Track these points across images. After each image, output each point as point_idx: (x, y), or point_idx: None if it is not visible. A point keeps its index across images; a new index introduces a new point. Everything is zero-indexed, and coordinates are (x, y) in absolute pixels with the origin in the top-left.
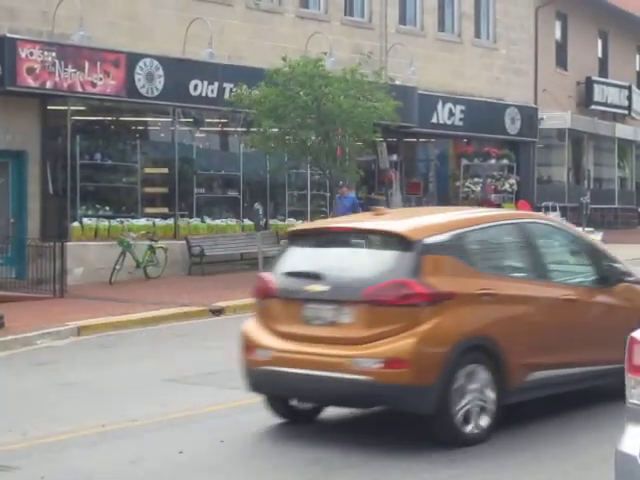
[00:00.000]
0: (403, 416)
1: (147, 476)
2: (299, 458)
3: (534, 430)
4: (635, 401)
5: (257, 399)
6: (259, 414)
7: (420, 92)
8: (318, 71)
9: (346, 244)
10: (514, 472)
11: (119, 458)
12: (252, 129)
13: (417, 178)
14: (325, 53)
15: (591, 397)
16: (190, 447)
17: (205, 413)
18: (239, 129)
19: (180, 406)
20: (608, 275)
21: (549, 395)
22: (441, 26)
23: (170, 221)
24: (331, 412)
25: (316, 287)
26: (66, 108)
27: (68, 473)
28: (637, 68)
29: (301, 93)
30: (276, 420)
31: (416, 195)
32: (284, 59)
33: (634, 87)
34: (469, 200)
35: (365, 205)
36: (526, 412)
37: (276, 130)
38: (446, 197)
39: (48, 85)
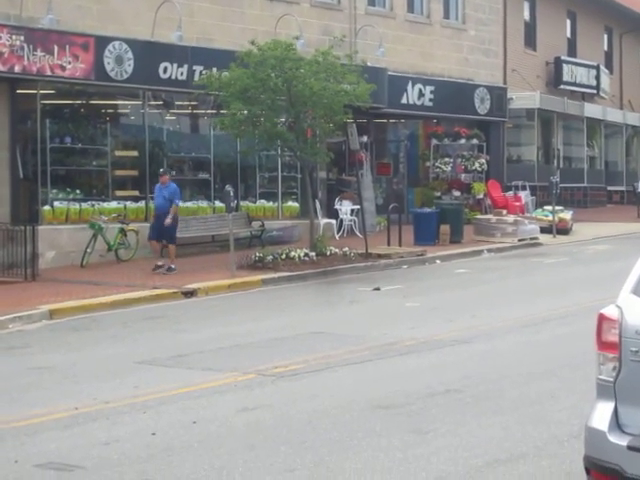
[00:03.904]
0: None
1: (121, 458)
2: (272, 438)
3: (507, 405)
4: (604, 377)
5: (227, 380)
6: (231, 395)
7: (390, 73)
8: (289, 55)
9: None
10: (486, 446)
11: (92, 440)
12: (222, 111)
13: (387, 159)
14: (296, 38)
15: (565, 374)
16: (163, 428)
17: (177, 394)
18: (209, 111)
19: (153, 388)
20: None
21: (522, 372)
22: (410, 7)
23: (141, 204)
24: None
25: None
26: (35, 92)
27: (42, 456)
28: (605, 48)
29: (272, 75)
30: (248, 400)
31: (386, 176)
32: (252, 42)
33: (602, 67)
34: (439, 180)
35: (336, 186)
36: (500, 387)
37: (246, 112)
38: (416, 177)
39: (17, 69)
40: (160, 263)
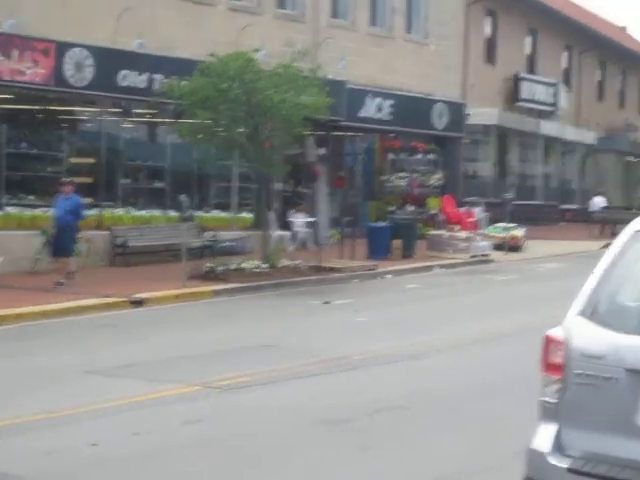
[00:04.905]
0: None
1: (61, 468)
2: (214, 451)
3: (453, 423)
4: (547, 399)
5: (172, 392)
6: (175, 407)
7: (349, 86)
8: (250, 67)
9: None
10: (431, 463)
11: (33, 450)
12: (181, 120)
13: (344, 172)
14: (256, 50)
15: (513, 392)
16: (105, 439)
17: (122, 405)
18: (167, 120)
19: (97, 398)
20: None
21: (470, 389)
22: (373, 21)
23: (94, 211)
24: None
25: None
26: None
27: None
28: (564, 65)
29: (233, 86)
30: (192, 413)
31: (342, 189)
32: (212, 54)
33: (561, 84)
34: (394, 194)
35: (292, 198)
36: (447, 404)
37: (210, 122)
38: (372, 191)
39: None
40: (72, 269)
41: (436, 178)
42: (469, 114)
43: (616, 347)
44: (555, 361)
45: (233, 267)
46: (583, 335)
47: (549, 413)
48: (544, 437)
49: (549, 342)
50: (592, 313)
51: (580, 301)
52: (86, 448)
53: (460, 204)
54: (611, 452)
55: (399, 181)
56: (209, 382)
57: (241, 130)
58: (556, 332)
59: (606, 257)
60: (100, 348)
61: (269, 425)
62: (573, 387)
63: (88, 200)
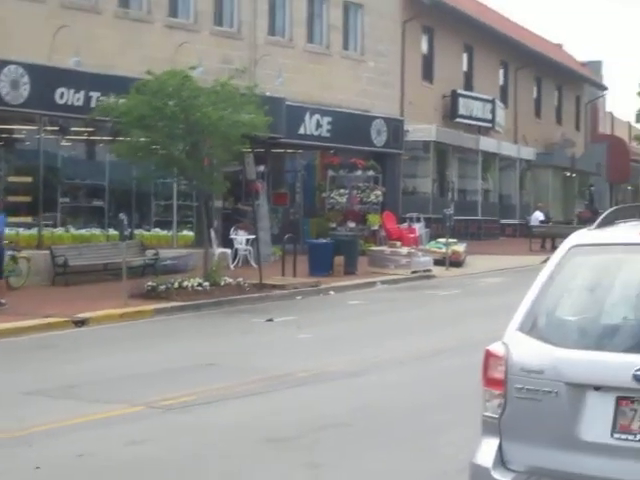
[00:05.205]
0: None
1: None
2: (159, 472)
3: (396, 439)
4: (489, 414)
5: (115, 412)
6: (119, 428)
7: (288, 103)
8: (187, 85)
9: None
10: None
11: None
12: (119, 138)
13: (284, 189)
14: (193, 67)
15: (455, 408)
16: (48, 462)
17: (65, 427)
18: (105, 138)
19: (39, 420)
20: None
21: (413, 405)
22: (310, 38)
23: (34, 231)
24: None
25: None
26: None
27: None
28: (501, 82)
29: (170, 103)
30: (136, 433)
31: (283, 206)
32: (148, 72)
33: (497, 101)
34: (335, 211)
35: (232, 215)
36: (390, 420)
37: (143, 140)
38: (313, 208)
39: None
40: None
41: (376, 194)
42: (408, 130)
43: (555, 361)
44: (495, 376)
45: (175, 285)
46: (523, 350)
47: (491, 428)
48: (487, 452)
49: (489, 357)
50: (531, 328)
51: (519, 316)
52: (29, 471)
53: (400, 220)
54: (553, 466)
55: (339, 198)
56: (152, 402)
57: (179, 148)
58: (496, 347)
59: (544, 272)
60: (42, 369)
61: (214, 444)
62: (514, 402)
63: (27, 219)
